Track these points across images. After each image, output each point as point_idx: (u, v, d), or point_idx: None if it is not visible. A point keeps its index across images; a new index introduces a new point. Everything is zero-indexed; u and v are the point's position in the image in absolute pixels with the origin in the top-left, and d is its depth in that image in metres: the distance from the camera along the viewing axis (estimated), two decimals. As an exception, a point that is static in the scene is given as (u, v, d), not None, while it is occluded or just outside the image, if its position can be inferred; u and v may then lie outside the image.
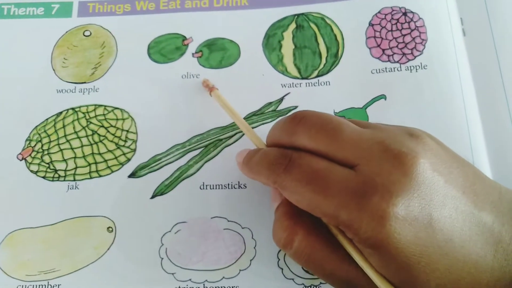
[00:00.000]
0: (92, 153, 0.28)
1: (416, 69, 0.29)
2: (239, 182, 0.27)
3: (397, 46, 0.30)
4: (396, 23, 0.30)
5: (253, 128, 0.29)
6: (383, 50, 0.30)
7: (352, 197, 0.18)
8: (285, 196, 0.21)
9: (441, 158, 0.19)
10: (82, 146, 0.29)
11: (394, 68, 0.29)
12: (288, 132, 0.21)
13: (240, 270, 0.26)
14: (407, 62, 0.29)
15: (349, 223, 0.18)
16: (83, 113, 0.30)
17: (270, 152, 0.22)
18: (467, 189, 0.19)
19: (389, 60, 0.29)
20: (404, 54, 0.30)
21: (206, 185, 0.27)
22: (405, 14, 0.30)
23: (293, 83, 0.30)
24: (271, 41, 0.31)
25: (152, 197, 0.27)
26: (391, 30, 0.30)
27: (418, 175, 0.18)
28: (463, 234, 0.18)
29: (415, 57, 0.29)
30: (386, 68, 0.29)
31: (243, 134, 0.28)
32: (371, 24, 0.31)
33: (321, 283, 0.25)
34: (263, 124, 0.29)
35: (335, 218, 0.18)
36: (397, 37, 0.30)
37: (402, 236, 0.17)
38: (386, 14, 0.31)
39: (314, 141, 0.20)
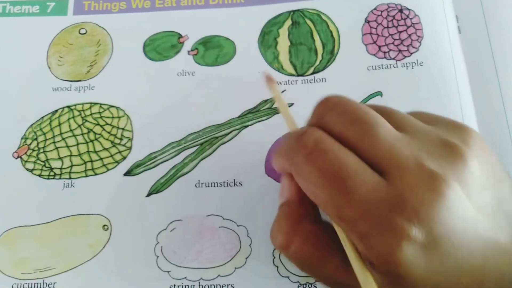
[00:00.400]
0: (88, 151, 0.28)
1: (412, 66, 0.29)
2: (234, 180, 0.27)
3: (393, 43, 0.30)
4: (392, 20, 0.30)
5: (248, 126, 0.29)
6: (379, 46, 0.30)
7: (378, 210, 0.16)
8: (299, 185, 0.19)
9: (476, 178, 0.18)
10: (77, 144, 0.29)
11: (390, 64, 0.29)
12: (317, 115, 0.19)
13: (235, 268, 0.26)
14: (403, 58, 0.29)
15: (366, 236, 0.16)
16: (79, 111, 0.30)
17: (295, 131, 0.19)
18: (496, 214, 0.18)
19: (385, 57, 0.29)
20: (400, 51, 0.29)
21: (202, 183, 0.27)
22: (401, 11, 0.30)
23: (289, 80, 0.30)
24: (266, 38, 0.31)
25: (148, 195, 0.27)
26: (387, 27, 0.30)
27: (450, 202, 0.16)
28: (485, 264, 0.17)
29: (411, 53, 0.29)
30: (382, 64, 0.29)
31: (239, 132, 0.28)
32: (367, 21, 0.30)
33: (316, 281, 0.25)
34: (258, 121, 0.29)
35: (352, 226, 0.17)
36: (393, 33, 0.30)
37: (414, 263, 0.16)
38: (382, 11, 0.30)
39: (345, 129, 0.18)
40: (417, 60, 0.29)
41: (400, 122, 0.19)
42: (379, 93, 0.28)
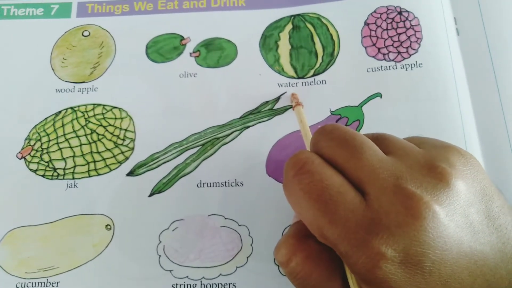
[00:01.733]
0: (91, 152, 0.29)
1: (412, 68, 0.29)
2: (236, 180, 0.28)
3: (392, 45, 0.30)
4: (391, 22, 0.31)
5: (249, 127, 0.29)
6: (379, 48, 0.30)
7: (355, 231, 0.17)
8: (289, 204, 0.20)
9: (460, 197, 0.18)
10: (81, 145, 0.29)
11: (389, 66, 0.30)
12: (313, 141, 0.21)
13: (237, 267, 0.26)
14: (403, 60, 0.30)
15: (346, 255, 0.17)
16: (82, 112, 0.30)
17: (292, 156, 0.20)
18: (485, 229, 0.18)
19: (384, 59, 0.30)
20: (399, 52, 0.30)
21: (204, 183, 0.28)
22: (400, 13, 0.31)
23: (289, 83, 0.30)
24: (268, 42, 0.31)
25: (150, 195, 0.28)
26: (387, 29, 0.30)
27: (426, 222, 0.17)
28: (474, 281, 0.17)
29: (410, 55, 0.30)
30: (381, 66, 0.30)
31: (240, 133, 0.29)
32: (366, 23, 0.31)
33: None
34: (259, 122, 0.29)
35: (334, 246, 0.18)
36: (392, 35, 0.30)
37: (397, 279, 0.17)
38: (381, 13, 0.31)
39: (334, 152, 0.19)
40: (416, 61, 0.29)
41: (391, 146, 0.20)
42: (378, 94, 0.29)
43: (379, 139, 0.20)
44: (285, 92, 0.30)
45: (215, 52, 0.31)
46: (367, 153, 0.19)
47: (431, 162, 0.19)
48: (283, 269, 0.20)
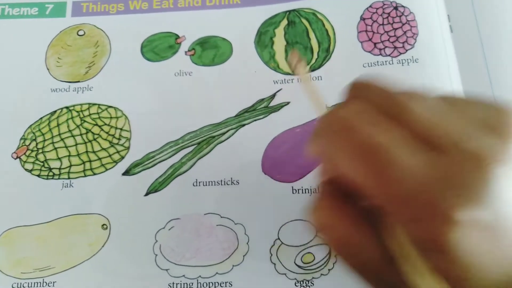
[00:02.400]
0: (86, 151, 0.29)
1: (408, 63, 0.29)
2: (231, 178, 0.27)
3: (388, 40, 0.30)
4: (387, 17, 0.30)
5: (245, 125, 0.29)
6: (375, 44, 0.30)
7: (422, 192, 0.15)
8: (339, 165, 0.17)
9: None
10: (76, 144, 0.29)
11: (385, 61, 0.29)
12: (353, 91, 0.18)
13: (233, 266, 0.26)
14: (399, 55, 0.29)
15: (411, 221, 0.15)
16: (77, 111, 0.30)
17: (328, 111, 0.18)
18: None
19: (380, 54, 0.29)
20: (395, 47, 0.30)
21: (199, 182, 0.28)
22: (396, 8, 0.30)
23: (285, 79, 0.30)
24: (263, 38, 0.31)
25: (146, 194, 0.27)
26: (383, 24, 0.30)
27: (499, 180, 0.15)
28: None
29: (407, 50, 0.29)
30: (377, 61, 0.29)
31: (236, 131, 0.29)
32: (362, 18, 0.31)
33: (313, 277, 0.25)
34: (255, 120, 0.29)
35: (389, 209, 0.16)
36: (389, 31, 0.30)
37: (470, 246, 0.15)
38: (377, 8, 0.31)
39: (385, 103, 0.17)
40: (412, 56, 0.29)
41: (442, 97, 0.18)
42: None
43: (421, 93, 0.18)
44: (281, 89, 0.29)
45: (210, 50, 0.31)
46: (426, 102, 0.16)
47: (488, 119, 0.17)
48: (322, 233, 0.18)
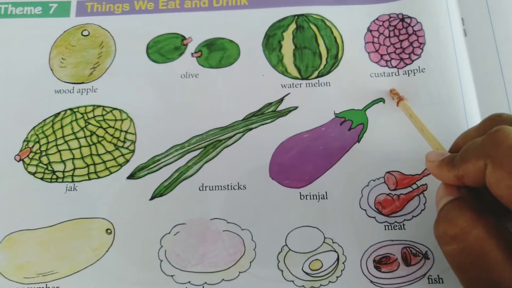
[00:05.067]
0: (91, 154, 0.28)
1: (414, 73, 0.29)
2: (238, 183, 0.27)
3: (394, 52, 0.30)
4: (393, 30, 0.30)
5: (252, 129, 0.28)
6: (381, 55, 0.30)
7: None
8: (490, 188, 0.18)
9: None
10: (80, 147, 0.28)
11: (392, 73, 0.29)
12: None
13: (239, 272, 0.25)
14: (405, 66, 0.29)
15: None
16: (82, 113, 0.29)
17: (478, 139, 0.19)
18: None
19: (387, 65, 0.30)
20: (401, 59, 0.30)
21: (206, 186, 0.27)
22: (402, 20, 0.30)
23: (293, 84, 0.29)
24: (271, 41, 0.31)
25: (151, 198, 0.27)
26: (389, 36, 0.30)
27: None
28: None
29: (413, 61, 0.29)
30: (384, 72, 0.29)
31: (243, 135, 0.28)
32: (369, 30, 0.31)
33: (321, 285, 0.25)
34: (262, 124, 0.28)
35: None
36: (395, 43, 0.30)
37: None
38: (383, 21, 0.31)
39: None
40: (419, 67, 0.29)
41: None
42: (381, 100, 0.29)
43: None
44: (289, 93, 0.29)
45: (217, 53, 0.30)
46: None
47: None
48: (448, 246, 0.18)
